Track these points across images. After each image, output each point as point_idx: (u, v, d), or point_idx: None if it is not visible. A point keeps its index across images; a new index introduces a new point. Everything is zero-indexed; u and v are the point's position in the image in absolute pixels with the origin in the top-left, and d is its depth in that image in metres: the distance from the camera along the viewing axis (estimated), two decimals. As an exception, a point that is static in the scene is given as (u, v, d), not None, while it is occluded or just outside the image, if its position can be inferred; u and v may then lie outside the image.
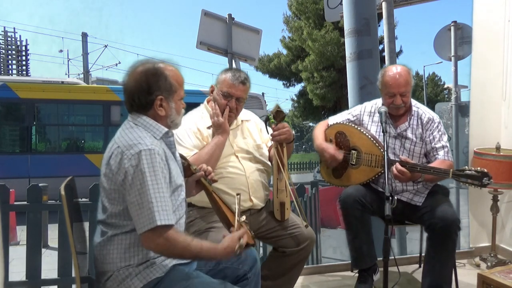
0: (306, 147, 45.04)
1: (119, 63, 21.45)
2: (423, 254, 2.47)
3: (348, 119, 2.54)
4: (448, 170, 2.14)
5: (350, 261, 2.49)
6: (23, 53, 28.03)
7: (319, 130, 2.54)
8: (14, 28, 41.05)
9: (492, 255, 2.81)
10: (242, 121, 2.25)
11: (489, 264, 2.79)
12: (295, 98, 23.73)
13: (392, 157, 2.34)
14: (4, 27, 27.76)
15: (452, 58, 5.92)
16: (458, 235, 2.22)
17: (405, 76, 2.31)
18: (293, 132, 2.19)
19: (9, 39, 27.70)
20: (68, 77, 22.40)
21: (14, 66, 27.93)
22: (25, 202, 3.04)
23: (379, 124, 2.42)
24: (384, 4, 4.23)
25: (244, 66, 4.99)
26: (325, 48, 18.86)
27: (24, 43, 28.21)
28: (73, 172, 2.21)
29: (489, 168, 2.12)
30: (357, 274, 2.43)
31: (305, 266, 2.51)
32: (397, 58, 5.13)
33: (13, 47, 27.77)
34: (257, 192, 2.15)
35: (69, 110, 10.53)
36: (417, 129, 2.38)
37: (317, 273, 2.82)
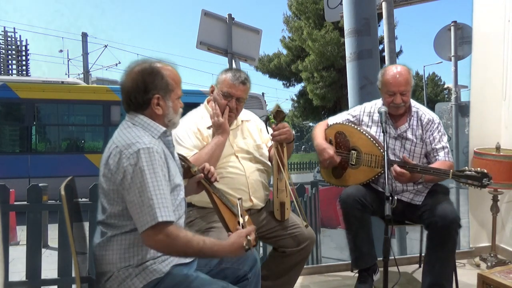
0: (306, 147, 45.04)
1: (119, 63, 21.49)
2: (423, 254, 2.47)
3: (347, 119, 2.54)
4: (448, 170, 2.14)
5: (350, 261, 2.49)
6: (23, 53, 28.04)
7: (319, 130, 2.55)
8: (14, 28, 41.11)
9: (492, 255, 2.81)
10: (242, 121, 2.25)
11: (489, 264, 2.79)
12: (295, 98, 23.74)
13: (392, 157, 2.34)
14: (4, 27, 27.88)
15: (452, 58, 5.92)
16: (459, 233, 2.22)
17: (405, 75, 2.31)
18: (293, 132, 2.19)
19: (9, 39, 27.72)
20: (68, 77, 22.40)
21: (14, 66, 27.94)
22: (25, 202, 3.04)
23: (379, 124, 2.42)
24: (384, 4, 4.23)
25: (244, 66, 5.00)
26: (325, 48, 18.86)
27: (24, 43, 28.26)
28: (73, 172, 2.21)
29: (489, 168, 2.12)
30: (357, 274, 2.43)
31: (305, 266, 2.51)
32: (397, 58, 5.13)
33: (13, 47, 27.78)
34: (257, 192, 2.15)
35: (69, 110, 10.52)
36: (417, 130, 2.38)
37: (317, 273, 2.83)
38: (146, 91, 1.50)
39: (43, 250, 3.19)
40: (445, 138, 2.39)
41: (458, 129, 6.12)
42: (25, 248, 2.97)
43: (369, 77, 3.56)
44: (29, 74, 27.16)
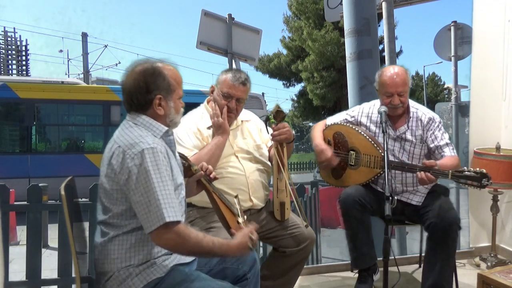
0: (306, 147, 45.05)
1: (119, 63, 21.51)
2: (423, 254, 2.47)
3: (345, 119, 2.54)
4: (447, 171, 2.14)
5: (350, 261, 2.49)
6: (23, 53, 28.05)
7: (317, 130, 2.54)
8: (14, 28, 41.09)
9: (492, 255, 2.81)
10: (242, 121, 2.25)
11: (489, 264, 2.79)
12: (295, 98, 23.73)
13: (391, 158, 2.34)
14: (4, 27, 27.84)
15: (452, 58, 5.92)
16: (459, 235, 2.22)
17: (402, 76, 2.31)
18: (293, 132, 2.19)
19: (9, 39, 27.72)
20: (68, 77, 22.41)
21: (14, 66, 27.94)
22: (25, 202, 3.03)
23: (377, 125, 2.42)
24: (384, 4, 4.23)
25: (244, 66, 5.00)
26: (325, 48, 18.85)
27: (24, 43, 28.27)
28: (73, 172, 2.21)
29: (489, 168, 2.12)
30: (357, 274, 2.43)
31: (305, 266, 2.51)
32: (397, 58, 5.13)
33: (13, 47, 27.79)
34: (257, 192, 2.15)
35: (69, 110, 10.51)
36: (417, 131, 2.38)
37: (317, 273, 2.83)
38: (148, 91, 1.50)
39: (43, 250, 3.19)
40: (446, 135, 2.39)
41: (458, 129, 6.11)
42: (25, 248, 2.96)
43: (369, 77, 3.55)
44: (29, 74, 27.17)
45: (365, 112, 2.51)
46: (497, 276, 2.11)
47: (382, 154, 2.15)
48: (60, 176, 2.39)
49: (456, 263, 2.37)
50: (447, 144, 2.34)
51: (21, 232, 5.91)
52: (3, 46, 27.33)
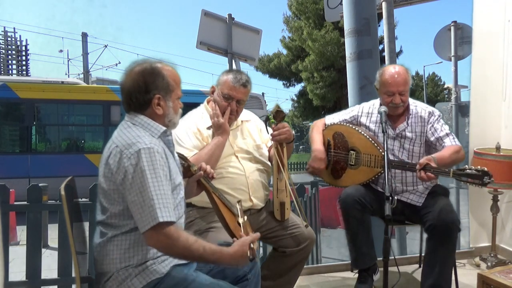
0: (305, 147, 45.02)
1: (119, 63, 21.48)
2: (423, 254, 2.46)
3: (345, 119, 2.54)
4: (448, 170, 2.13)
5: (350, 261, 2.49)
6: (23, 53, 28.05)
7: (317, 132, 2.53)
8: (14, 28, 41.14)
9: (492, 255, 2.81)
10: (242, 121, 2.25)
11: (489, 264, 2.79)
12: (295, 98, 23.72)
13: (391, 157, 2.34)
14: (4, 27, 27.84)
15: (452, 58, 5.92)
16: (458, 235, 2.21)
17: (403, 75, 2.31)
18: (293, 132, 2.19)
19: (9, 39, 27.73)
20: (68, 77, 22.40)
21: (14, 66, 27.95)
22: (25, 202, 3.03)
23: (377, 124, 2.42)
24: (384, 4, 4.23)
25: (244, 66, 4.99)
26: (325, 48, 18.84)
27: (24, 43, 28.27)
28: (73, 172, 2.21)
29: (489, 168, 2.11)
30: (357, 274, 2.43)
31: (305, 266, 2.51)
32: (397, 58, 5.13)
33: (13, 47, 27.79)
34: (257, 192, 2.15)
35: (69, 110, 10.52)
36: (416, 127, 2.38)
37: (317, 273, 2.82)
38: (147, 91, 1.50)
39: (43, 250, 3.19)
40: (446, 127, 2.37)
41: (458, 129, 6.11)
42: (25, 248, 2.97)
43: (369, 77, 3.56)
44: (29, 74, 27.16)
45: (364, 112, 2.51)
46: (497, 276, 2.11)
47: (383, 153, 2.14)
48: (60, 176, 2.39)
49: (456, 263, 2.37)
50: (447, 134, 2.33)
51: (21, 232, 5.91)
52: (3, 46, 27.33)
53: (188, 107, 1.98)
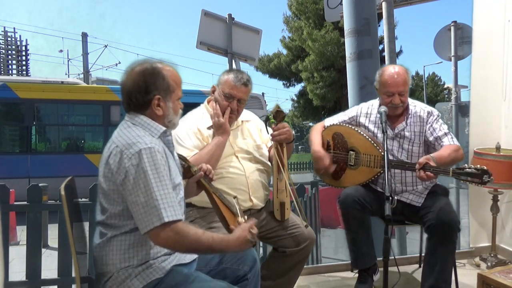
0: (305, 147, 45.02)
1: (119, 63, 21.46)
2: (423, 254, 2.47)
3: (344, 120, 2.54)
4: (448, 169, 2.13)
5: (350, 261, 2.49)
6: (23, 53, 28.05)
7: (316, 134, 2.53)
8: (14, 28, 41.08)
9: (492, 255, 2.81)
10: (242, 121, 2.25)
11: (489, 264, 2.79)
12: (295, 98, 23.72)
13: (390, 157, 2.33)
14: (4, 27, 27.84)
15: (452, 58, 5.92)
16: (458, 236, 2.21)
17: (403, 75, 2.31)
18: (293, 132, 2.19)
19: (9, 39, 27.72)
20: (68, 77, 22.39)
21: (14, 66, 27.94)
22: (25, 202, 3.04)
23: (376, 125, 2.42)
24: (384, 4, 4.23)
25: (244, 66, 4.99)
26: (325, 48, 18.84)
27: (24, 43, 28.26)
28: (73, 172, 2.21)
29: (489, 168, 2.12)
30: (357, 274, 2.43)
31: (305, 266, 2.51)
32: (397, 58, 5.13)
33: (13, 47, 27.79)
34: (257, 192, 2.15)
35: (69, 110, 10.52)
36: (415, 127, 2.38)
37: (317, 273, 2.82)
38: (147, 91, 1.50)
39: (43, 250, 3.19)
40: (445, 126, 2.37)
41: (458, 129, 6.11)
42: (25, 248, 2.97)
43: (369, 77, 3.56)
44: (29, 74, 27.17)
45: (363, 112, 2.51)
46: (497, 276, 2.11)
47: (382, 153, 2.14)
48: (60, 176, 2.39)
49: (456, 263, 2.37)
50: (445, 134, 2.33)
51: (21, 232, 5.91)
52: (3, 46, 27.33)
53: (188, 107, 1.98)
